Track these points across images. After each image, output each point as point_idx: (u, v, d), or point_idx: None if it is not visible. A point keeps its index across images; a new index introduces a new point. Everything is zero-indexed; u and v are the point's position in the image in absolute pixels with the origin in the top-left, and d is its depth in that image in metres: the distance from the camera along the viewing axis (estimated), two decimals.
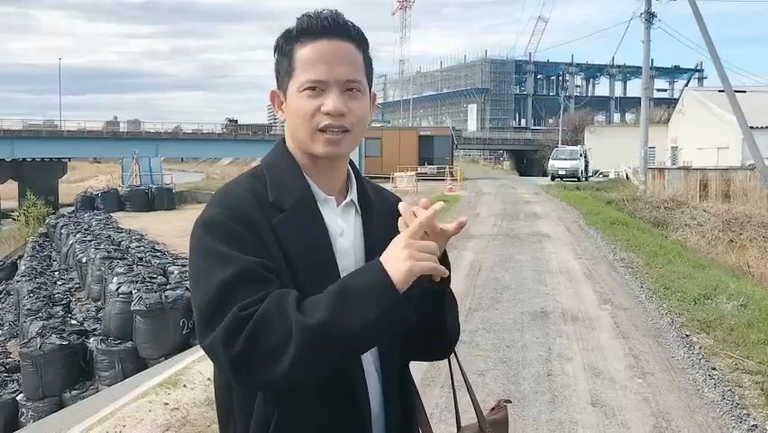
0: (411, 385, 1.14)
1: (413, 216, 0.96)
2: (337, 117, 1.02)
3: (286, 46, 1.05)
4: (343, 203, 1.09)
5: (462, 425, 1.18)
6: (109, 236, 15.50)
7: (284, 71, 1.06)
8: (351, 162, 1.13)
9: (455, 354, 1.17)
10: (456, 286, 1.12)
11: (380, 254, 0.96)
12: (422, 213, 0.96)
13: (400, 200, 1.15)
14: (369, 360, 1.05)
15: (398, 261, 0.91)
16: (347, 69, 1.03)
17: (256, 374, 0.89)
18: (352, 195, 1.11)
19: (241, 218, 0.98)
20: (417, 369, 1.13)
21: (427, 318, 1.04)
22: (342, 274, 1.00)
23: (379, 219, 1.10)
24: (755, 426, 3.44)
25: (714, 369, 4.31)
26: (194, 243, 0.99)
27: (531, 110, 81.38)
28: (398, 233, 0.96)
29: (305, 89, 1.02)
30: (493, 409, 1.22)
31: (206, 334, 0.91)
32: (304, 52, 1.03)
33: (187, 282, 9.16)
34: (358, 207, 1.10)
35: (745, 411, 3.62)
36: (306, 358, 0.88)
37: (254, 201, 1.00)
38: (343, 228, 1.07)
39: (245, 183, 1.05)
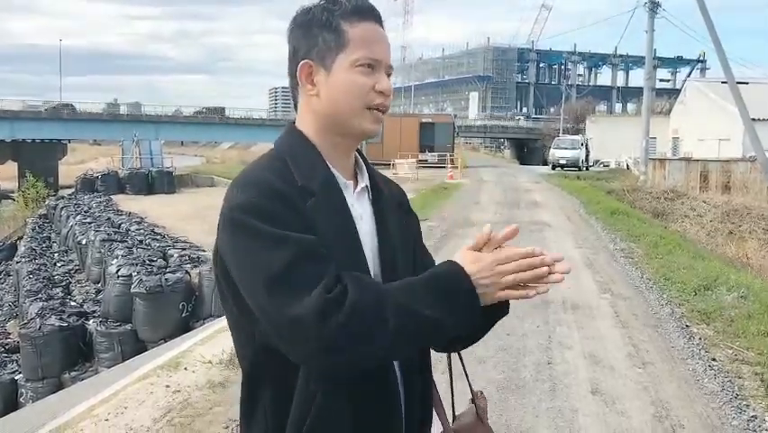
0: (430, 375, 1.14)
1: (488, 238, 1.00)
2: (387, 97, 1.05)
3: (331, 19, 1.03)
4: (358, 188, 1.09)
5: (457, 413, 1.22)
6: (109, 219, 15.48)
7: (327, 45, 1.03)
8: (357, 148, 1.12)
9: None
10: None
11: (391, 239, 1.03)
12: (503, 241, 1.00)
13: (405, 195, 1.20)
14: None
15: (490, 284, 0.96)
16: (390, 54, 1.08)
17: (344, 356, 0.89)
18: (365, 181, 1.10)
19: (280, 199, 0.96)
20: None
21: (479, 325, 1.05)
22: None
23: (389, 206, 1.11)
24: (754, 416, 3.46)
25: (714, 360, 4.32)
26: (236, 236, 0.94)
27: (533, 98, 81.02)
28: (406, 221, 1.01)
29: (360, 65, 1.03)
30: (473, 400, 1.25)
31: (285, 308, 0.88)
32: (359, 30, 1.03)
33: (187, 266, 9.29)
34: (370, 193, 1.10)
35: (744, 402, 3.64)
36: (397, 342, 0.91)
37: (283, 182, 0.98)
38: (362, 213, 1.07)
39: (268, 168, 1.02)
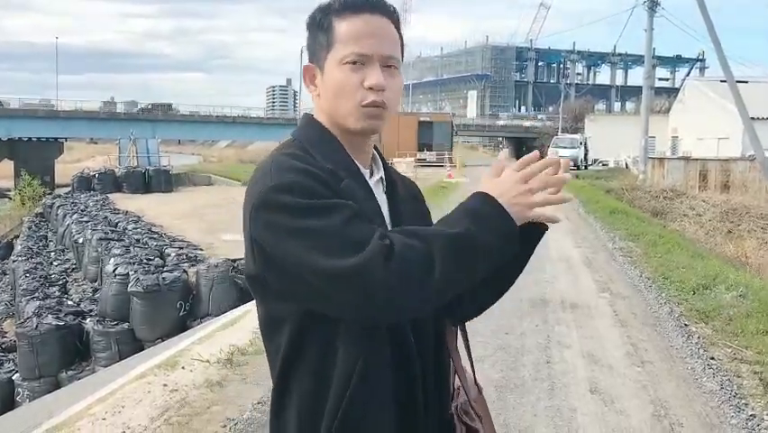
0: (446, 346, 1.16)
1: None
2: (379, 92, 1.02)
3: (324, 20, 1.05)
4: (375, 178, 1.10)
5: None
6: (106, 217, 15.44)
7: (321, 45, 1.05)
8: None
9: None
10: None
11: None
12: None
13: (418, 188, 1.22)
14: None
15: (518, 203, 0.95)
16: (389, 45, 1.04)
17: (409, 297, 0.90)
18: (381, 173, 1.12)
19: (316, 178, 0.96)
20: None
21: (515, 259, 1.05)
22: None
23: (404, 197, 1.14)
24: (753, 415, 3.45)
25: (713, 358, 4.31)
26: (276, 209, 0.92)
27: (531, 97, 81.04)
28: (421, 212, 1.02)
29: (347, 62, 1.02)
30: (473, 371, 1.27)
31: (344, 259, 0.88)
32: (346, 25, 1.03)
33: (184, 265, 9.27)
34: (385, 184, 1.12)
35: (743, 401, 3.63)
36: (452, 266, 0.90)
37: (312, 166, 0.99)
38: (379, 201, 1.09)
39: (292, 155, 1.01)
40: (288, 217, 0.92)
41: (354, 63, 1.01)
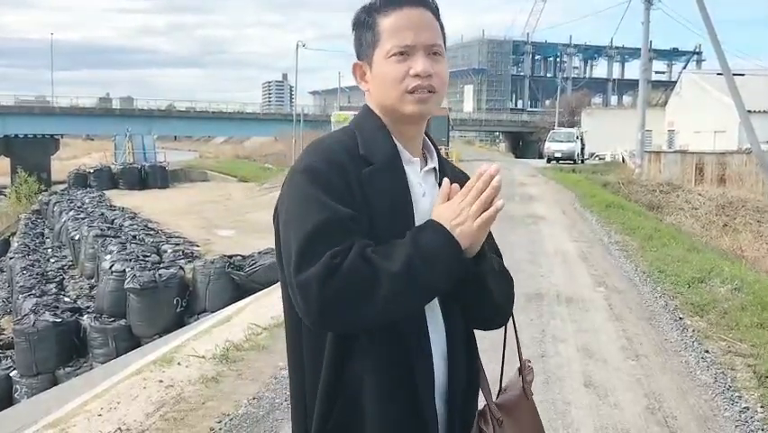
0: (475, 350, 1.19)
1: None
2: (425, 78, 1.09)
3: (368, 19, 1.12)
4: (426, 168, 1.16)
5: (504, 384, 1.27)
6: (102, 214, 15.42)
7: (367, 43, 1.13)
8: (427, 133, 1.20)
9: (514, 322, 1.24)
10: None
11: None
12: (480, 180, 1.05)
13: (468, 176, 1.25)
14: (436, 323, 1.10)
15: (463, 221, 1.02)
16: (431, 34, 1.11)
17: (343, 317, 0.98)
18: (434, 163, 1.18)
19: (335, 166, 1.05)
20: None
21: (476, 291, 1.10)
22: None
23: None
24: (747, 408, 3.47)
25: (707, 352, 4.33)
26: (292, 189, 1.06)
27: (528, 91, 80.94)
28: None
29: (392, 55, 1.09)
30: (520, 372, 1.28)
31: (301, 270, 0.97)
32: (389, 21, 1.10)
33: (181, 261, 9.27)
34: (438, 174, 1.17)
35: (737, 394, 3.65)
36: (390, 304, 0.97)
37: (346, 152, 1.08)
38: (425, 190, 1.13)
39: (337, 137, 1.14)
40: (295, 196, 1.04)
41: (401, 54, 1.09)
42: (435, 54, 1.11)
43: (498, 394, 1.23)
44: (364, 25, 1.13)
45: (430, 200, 1.11)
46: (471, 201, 1.02)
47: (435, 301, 1.09)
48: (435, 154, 1.19)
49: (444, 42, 1.15)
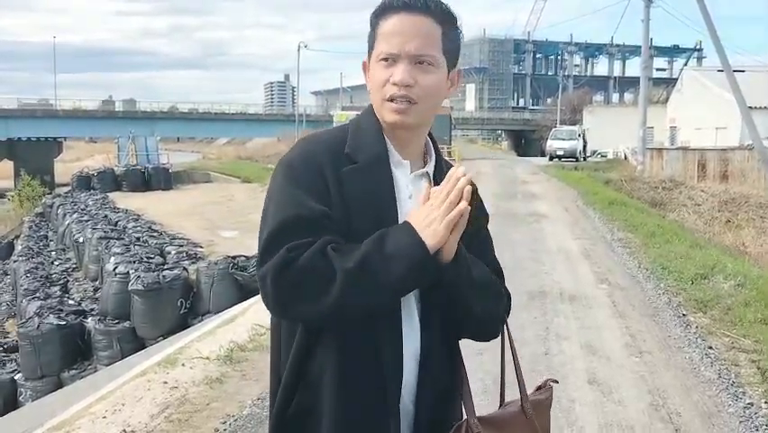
0: (458, 357, 1.17)
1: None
2: (403, 88, 1.08)
3: (374, 19, 1.14)
4: (417, 172, 1.16)
5: (506, 401, 1.21)
6: (106, 216, 15.44)
7: (370, 43, 1.15)
8: (432, 138, 1.19)
9: (508, 331, 1.22)
10: None
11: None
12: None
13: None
14: (411, 325, 1.09)
15: (430, 223, 1.02)
16: (419, 43, 1.09)
17: (297, 310, 1.01)
18: (430, 168, 1.17)
19: (313, 162, 1.08)
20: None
21: (455, 304, 1.09)
22: None
23: None
24: (751, 403, 3.47)
25: (710, 348, 4.32)
26: (271, 182, 1.10)
27: (529, 90, 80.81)
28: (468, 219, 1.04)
29: (380, 60, 1.11)
30: (539, 388, 1.24)
31: (262, 263, 1.02)
32: (384, 25, 1.11)
33: (185, 262, 9.30)
34: (432, 180, 1.15)
35: (740, 389, 3.65)
36: (345, 300, 0.98)
37: (329, 149, 1.10)
38: (413, 193, 1.13)
39: (329, 133, 1.17)
40: (274, 187, 1.08)
41: (386, 60, 1.09)
42: (423, 64, 1.08)
43: (500, 407, 1.20)
44: (371, 25, 1.15)
45: (417, 203, 1.10)
46: (440, 204, 1.02)
47: (413, 303, 1.09)
48: (434, 158, 1.18)
49: (452, 52, 1.12)
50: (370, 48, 1.14)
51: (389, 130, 1.13)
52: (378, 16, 1.13)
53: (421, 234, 1.01)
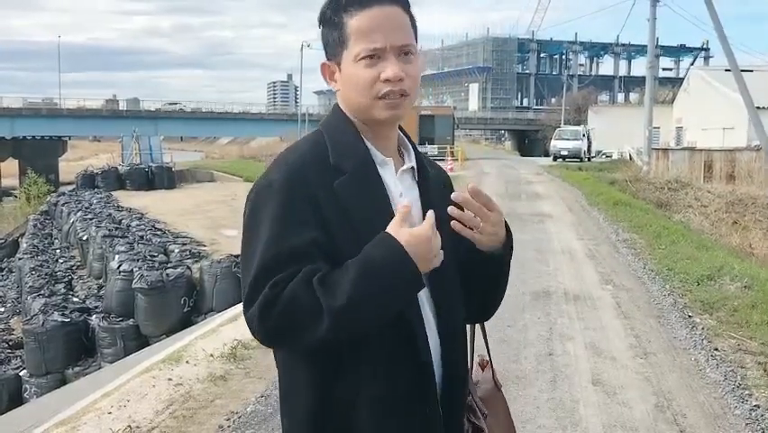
0: (466, 346, 1.20)
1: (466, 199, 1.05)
2: (397, 83, 1.05)
3: (334, 17, 1.06)
4: (402, 168, 1.12)
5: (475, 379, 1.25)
6: (110, 215, 15.49)
7: (335, 42, 1.07)
8: (402, 130, 1.15)
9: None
10: None
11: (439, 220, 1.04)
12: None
13: (448, 176, 1.24)
14: (428, 325, 1.08)
15: (428, 255, 1.00)
16: (401, 34, 1.06)
17: (287, 344, 1.02)
18: (411, 162, 1.14)
19: (299, 182, 1.01)
20: None
21: (486, 282, 1.15)
22: None
23: (434, 186, 1.15)
24: (757, 406, 3.44)
25: (716, 349, 4.30)
26: (251, 206, 1.04)
27: (533, 89, 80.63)
28: (449, 200, 1.04)
29: (362, 58, 1.04)
30: (482, 366, 1.28)
31: (247, 307, 0.99)
32: (356, 22, 1.04)
33: (188, 261, 9.31)
34: (416, 173, 1.13)
35: (747, 392, 3.62)
36: (334, 334, 0.96)
37: (315, 164, 1.04)
38: (402, 190, 1.10)
39: (306, 146, 1.09)
40: (252, 222, 1.02)
41: (370, 58, 1.04)
42: (407, 54, 1.05)
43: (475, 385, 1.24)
44: (330, 23, 1.07)
45: (414, 201, 1.09)
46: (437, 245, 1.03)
47: (426, 303, 1.07)
48: (412, 151, 1.14)
49: (416, 36, 1.10)
50: (338, 47, 1.06)
51: (368, 129, 1.09)
52: (341, 12, 1.05)
53: (429, 263, 1.00)
